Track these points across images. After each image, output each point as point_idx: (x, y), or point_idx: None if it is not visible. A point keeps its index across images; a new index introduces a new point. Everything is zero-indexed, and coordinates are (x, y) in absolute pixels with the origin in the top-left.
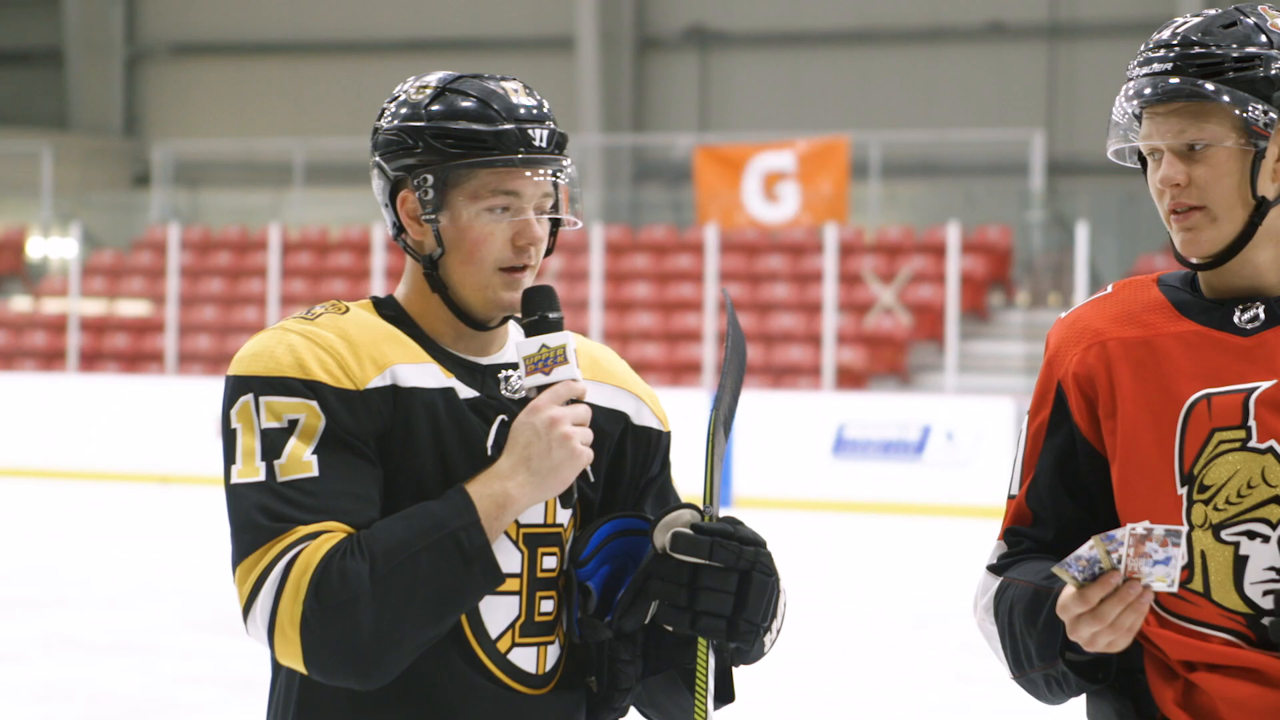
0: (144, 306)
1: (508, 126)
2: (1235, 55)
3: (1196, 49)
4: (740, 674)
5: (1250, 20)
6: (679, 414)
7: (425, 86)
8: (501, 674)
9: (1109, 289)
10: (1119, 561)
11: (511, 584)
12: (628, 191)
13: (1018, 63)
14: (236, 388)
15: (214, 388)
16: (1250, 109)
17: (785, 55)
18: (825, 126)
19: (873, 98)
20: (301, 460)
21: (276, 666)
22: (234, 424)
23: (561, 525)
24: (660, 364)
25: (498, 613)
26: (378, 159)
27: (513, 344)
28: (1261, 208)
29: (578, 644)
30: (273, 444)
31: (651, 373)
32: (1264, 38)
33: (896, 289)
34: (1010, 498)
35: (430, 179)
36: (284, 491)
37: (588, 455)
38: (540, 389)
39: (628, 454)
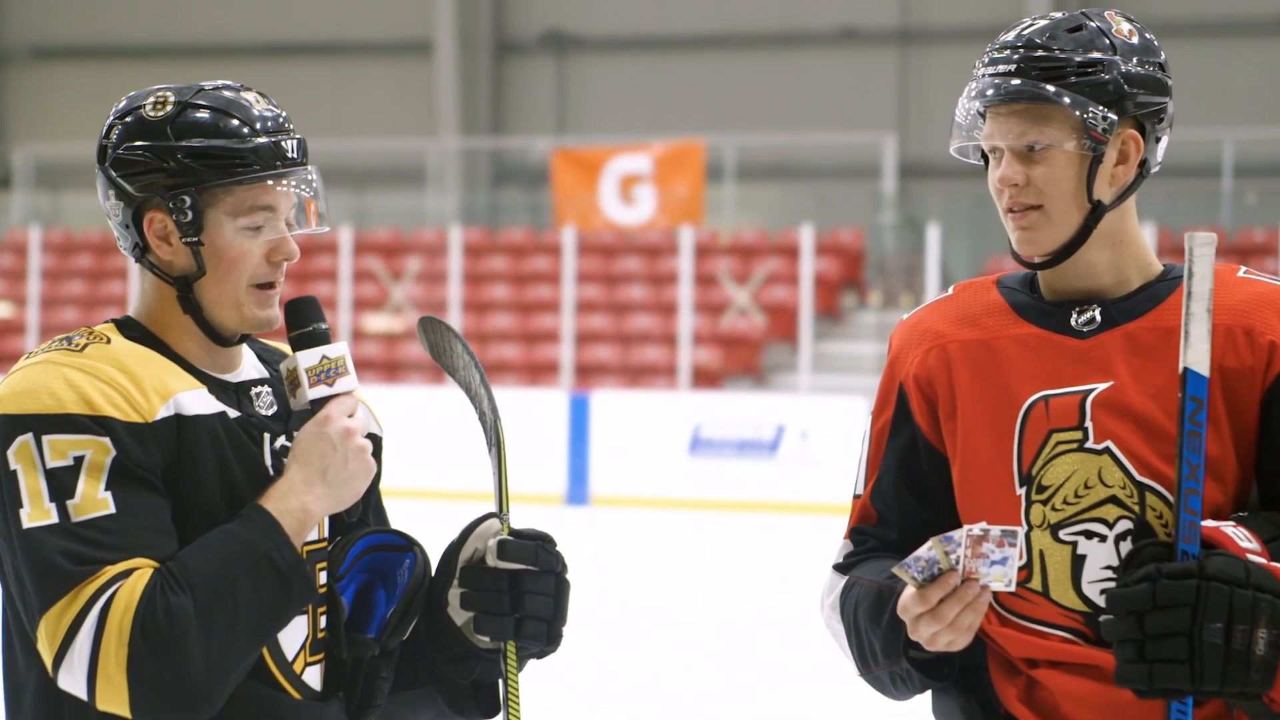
0: (5, 308)
1: (262, 140)
2: (1078, 60)
3: (1040, 52)
4: (599, 671)
5: (1095, 25)
6: (537, 415)
7: (163, 103)
8: (299, 695)
9: (950, 291)
10: (957, 562)
11: None
12: (486, 194)
13: (870, 68)
14: (10, 427)
15: None
16: (1090, 113)
17: (641, 59)
18: (681, 130)
19: (728, 101)
20: (96, 498)
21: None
22: (12, 465)
23: (327, 540)
24: (518, 364)
25: (292, 634)
26: (116, 178)
27: (251, 360)
28: (1097, 211)
29: (342, 659)
30: (62, 484)
31: (510, 373)
32: (1108, 42)
33: (751, 290)
34: (855, 497)
35: (189, 200)
36: (82, 532)
37: (374, 465)
38: (324, 400)
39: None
